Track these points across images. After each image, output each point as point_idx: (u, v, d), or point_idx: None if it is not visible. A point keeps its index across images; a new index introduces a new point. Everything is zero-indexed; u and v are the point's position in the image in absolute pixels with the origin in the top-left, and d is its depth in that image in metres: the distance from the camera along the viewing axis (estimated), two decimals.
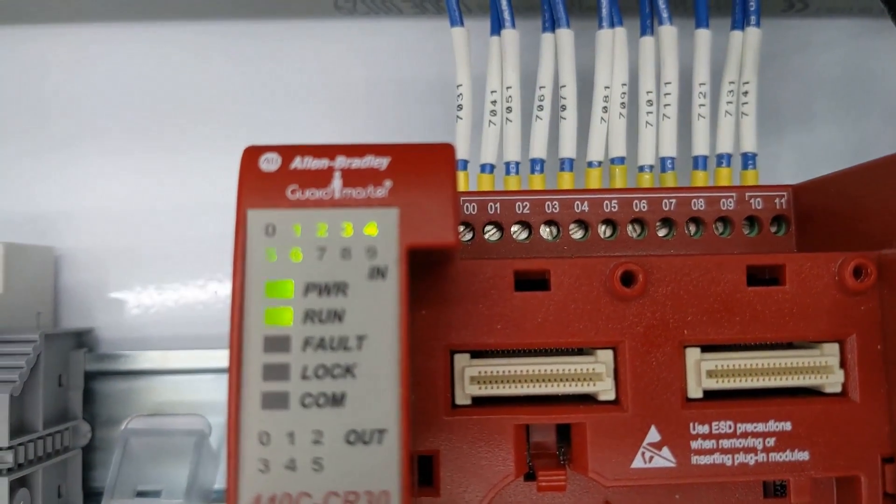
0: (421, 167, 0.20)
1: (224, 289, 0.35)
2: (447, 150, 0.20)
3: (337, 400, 0.19)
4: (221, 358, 0.33)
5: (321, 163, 0.20)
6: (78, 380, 0.32)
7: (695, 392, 0.22)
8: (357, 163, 0.20)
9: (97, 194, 0.35)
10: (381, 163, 0.20)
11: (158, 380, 0.34)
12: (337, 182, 0.20)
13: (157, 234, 0.35)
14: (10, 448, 0.28)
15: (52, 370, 0.31)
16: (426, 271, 0.22)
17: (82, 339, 0.34)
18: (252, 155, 0.20)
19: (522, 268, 0.22)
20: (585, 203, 0.27)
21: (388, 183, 0.20)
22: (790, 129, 0.35)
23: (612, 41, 0.29)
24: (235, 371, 0.19)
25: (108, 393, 0.33)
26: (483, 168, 0.29)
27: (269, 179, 0.20)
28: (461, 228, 0.27)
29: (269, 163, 0.20)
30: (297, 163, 0.20)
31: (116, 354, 0.33)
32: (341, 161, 0.20)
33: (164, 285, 0.35)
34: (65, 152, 0.35)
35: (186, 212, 0.35)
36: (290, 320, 0.19)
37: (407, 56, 0.35)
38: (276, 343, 0.19)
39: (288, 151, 0.20)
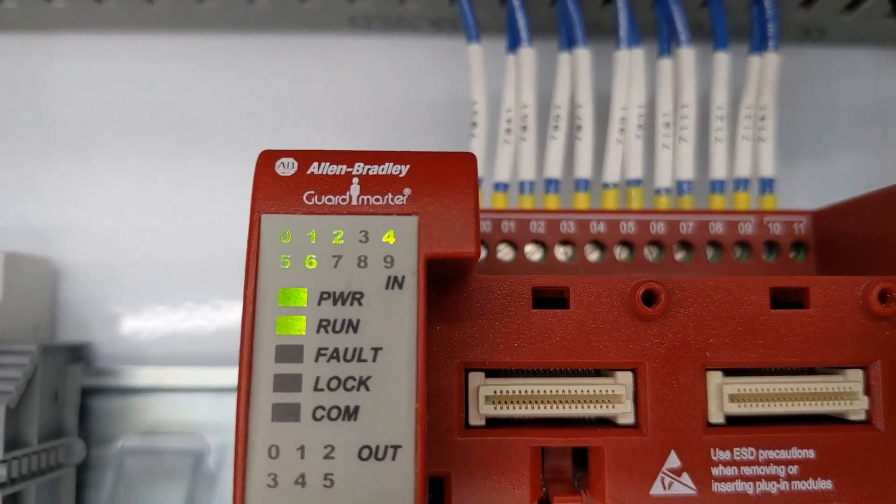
0: (441, 175, 0.19)
1: (225, 306, 0.34)
2: (469, 158, 0.20)
3: (350, 413, 0.18)
4: (221, 376, 0.32)
5: (339, 168, 0.19)
6: (74, 395, 0.31)
7: (716, 417, 0.21)
8: (376, 169, 0.19)
9: (99, 208, 0.34)
10: (401, 170, 0.19)
11: (156, 397, 0.33)
12: (355, 188, 0.19)
13: (158, 249, 0.34)
14: (3, 462, 0.27)
15: (48, 384, 0.30)
16: (441, 285, 0.21)
17: (79, 354, 0.33)
18: (268, 158, 0.19)
19: (541, 284, 0.22)
20: (602, 224, 0.27)
21: (407, 191, 0.19)
22: (808, 157, 0.34)
23: (629, 62, 0.29)
24: (245, 381, 0.18)
25: (103, 410, 0.32)
26: (497, 186, 0.28)
27: (284, 184, 0.19)
28: None
29: (286, 167, 0.19)
30: (315, 168, 0.19)
31: (113, 369, 0.32)
32: (360, 167, 0.19)
33: (165, 301, 0.34)
34: (67, 165, 0.34)
35: (189, 227, 0.34)
36: (303, 329, 0.18)
37: (421, 74, 0.34)
38: (289, 353, 0.18)
39: (305, 156, 0.19)
